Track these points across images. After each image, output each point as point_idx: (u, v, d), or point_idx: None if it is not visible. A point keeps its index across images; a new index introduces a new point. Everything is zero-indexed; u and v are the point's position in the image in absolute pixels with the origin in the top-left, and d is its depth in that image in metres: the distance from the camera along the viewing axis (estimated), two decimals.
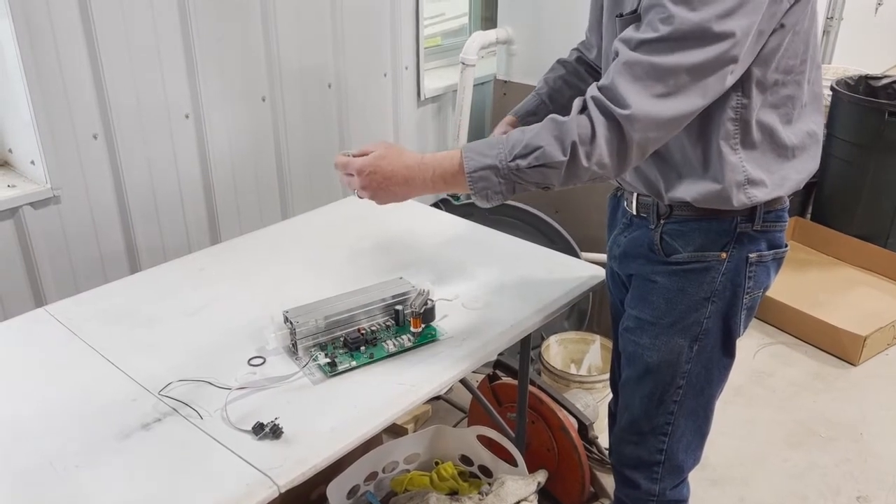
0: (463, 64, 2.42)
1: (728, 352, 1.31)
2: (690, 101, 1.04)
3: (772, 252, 1.24)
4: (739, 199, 1.16)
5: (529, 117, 1.44)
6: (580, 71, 1.44)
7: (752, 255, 1.22)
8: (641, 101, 1.02)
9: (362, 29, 2.25)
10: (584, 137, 1.05)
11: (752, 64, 1.08)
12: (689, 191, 1.18)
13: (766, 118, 1.14)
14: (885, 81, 3.12)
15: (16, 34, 1.55)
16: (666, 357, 1.28)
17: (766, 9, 1.02)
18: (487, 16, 2.85)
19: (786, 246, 1.27)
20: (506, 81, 2.59)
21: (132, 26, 1.72)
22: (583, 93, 1.40)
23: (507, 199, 1.13)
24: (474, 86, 2.47)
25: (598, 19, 1.30)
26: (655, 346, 1.29)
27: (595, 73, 1.43)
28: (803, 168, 1.21)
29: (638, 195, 1.28)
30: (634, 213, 1.30)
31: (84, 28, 1.65)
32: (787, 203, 1.25)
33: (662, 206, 1.23)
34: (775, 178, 1.18)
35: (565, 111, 1.42)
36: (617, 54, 1.06)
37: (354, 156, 1.18)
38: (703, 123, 1.13)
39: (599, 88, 1.07)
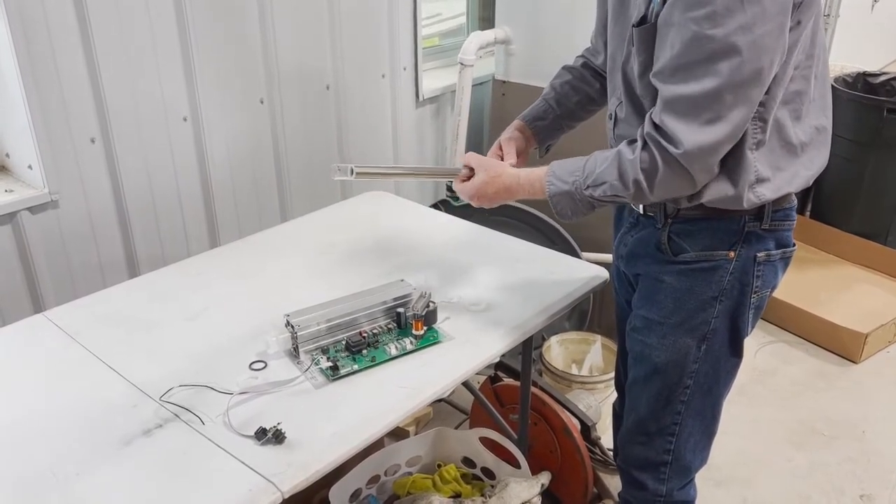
0: (461, 64, 2.41)
1: (735, 351, 1.30)
2: (739, 117, 1.05)
3: (780, 251, 1.24)
4: (749, 199, 1.16)
5: (537, 122, 1.45)
6: (586, 76, 1.45)
7: (761, 255, 1.22)
8: (692, 136, 1.05)
9: (360, 30, 2.25)
10: (650, 173, 1.11)
11: None
12: (708, 195, 1.17)
13: (778, 114, 1.13)
14: (883, 78, 3.12)
15: (12, 38, 1.54)
16: (673, 357, 1.28)
17: (790, 7, 1.01)
18: (485, 16, 2.84)
19: (793, 245, 1.26)
20: (504, 81, 2.58)
21: (129, 29, 1.71)
22: (590, 97, 1.43)
23: (586, 215, 1.23)
24: (473, 86, 2.47)
25: (605, 25, 1.30)
26: (663, 345, 1.28)
27: (601, 78, 1.43)
28: (812, 164, 1.20)
29: None
30: (641, 212, 1.29)
31: (81, 31, 1.64)
32: (795, 202, 1.24)
33: (670, 206, 1.23)
34: (785, 175, 1.17)
35: (573, 116, 1.44)
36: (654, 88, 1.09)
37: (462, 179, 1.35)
38: None
39: (654, 126, 1.10)
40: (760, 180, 1.15)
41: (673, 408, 1.32)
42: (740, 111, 1.05)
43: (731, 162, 1.14)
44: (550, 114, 1.45)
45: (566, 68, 1.47)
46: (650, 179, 1.11)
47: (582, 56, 1.47)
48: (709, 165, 1.10)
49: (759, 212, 1.19)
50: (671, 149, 1.07)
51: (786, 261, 1.27)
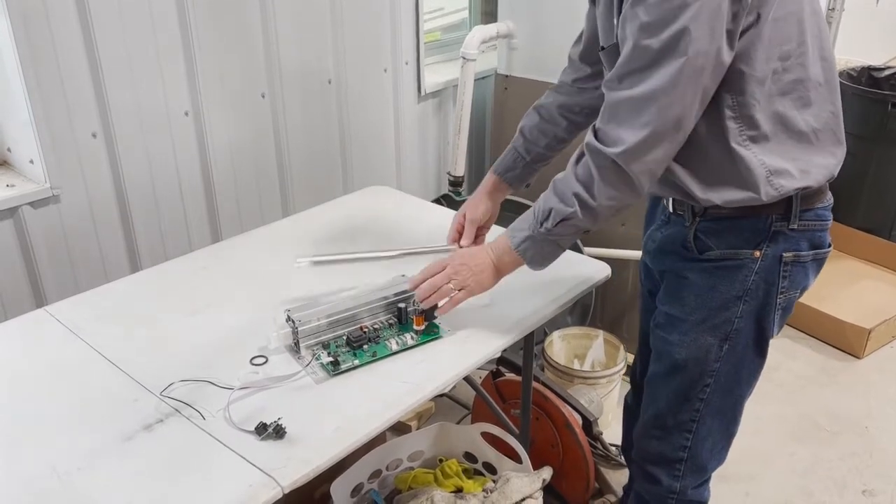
0: (463, 59, 2.40)
1: (760, 352, 1.29)
2: (675, 116, 1.07)
3: (811, 252, 1.22)
4: (767, 193, 1.14)
5: (508, 173, 1.48)
6: (554, 115, 1.45)
7: (788, 255, 1.20)
8: (631, 136, 1.08)
9: (362, 25, 2.24)
10: (586, 182, 1.15)
11: (737, 62, 1.08)
12: (719, 196, 1.17)
13: (777, 107, 1.13)
14: (887, 72, 3.11)
15: (13, 32, 1.53)
16: (694, 354, 1.27)
17: (728, 9, 1.02)
18: (487, 10, 2.83)
19: (828, 246, 1.24)
20: (507, 76, 2.57)
21: (130, 24, 1.71)
22: (558, 137, 1.46)
23: (557, 257, 1.25)
24: (475, 80, 2.46)
25: (594, 42, 1.33)
26: (684, 342, 1.27)
27: (570, 113, 1.43)
28: (830, 153, 1.18)
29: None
30: (672, 210, 1.29)
31: (82, 26, 1.63)
32: (830, 201, 1.23)
33: (697, 205, 1.22)
34: (800, 165, 1.16)
35: (543, 158, 1.48)
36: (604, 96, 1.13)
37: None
38: (709, 129, 1.14)
39: (595, 132, 1.14)
40: (776, 172, 1.14)
41: (691, 405, 1.31)
42: (676, 111, 1.07)
43: (722, 163, 1.15)
44: (520, 162, 1.47)
45: (536, 109, 1.47)
46: (588, 188, 1.14)
47: (553, 90, 1.47)
48: (648, 167, 1.11)
49: (785, 211, 1.18)
50: (609, 150, 1.10)
51: (819, 262, 1.25)
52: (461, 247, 1.45)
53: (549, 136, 1.45)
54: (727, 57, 1.06)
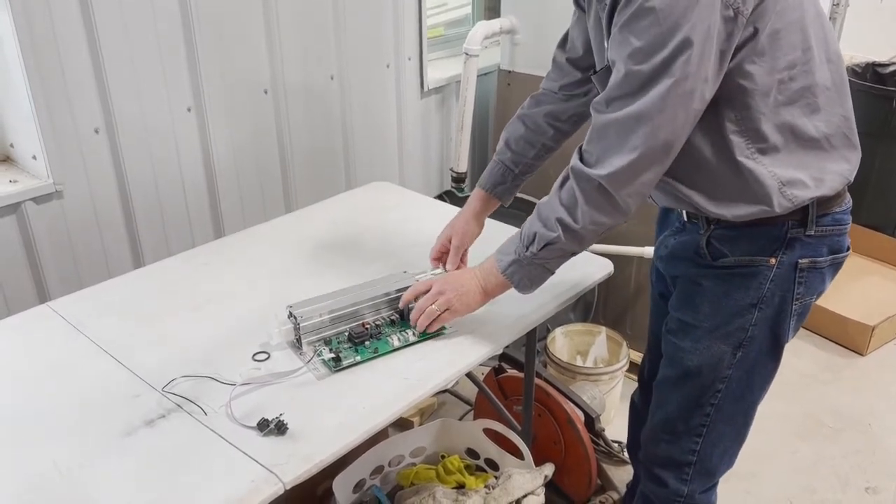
0: (466, 54, 2.40)
1: (774, 358, 1.28)
2: (663, 138, 1.06)
3: (829, 258, 1.20)
4: (781, 204, 1.12)
5: (497, 188, 1.46)
6: (540, 125, 1.43)
7: (804, 261, 1.18)
8: (619, 159, 1.07)
9: (364, 20, 2.24)
10: (570, 207, 1.13)
11: (737, 77, 1.06)
12: (730, 211, 1.16)
13: (785, 117, 1.10)
14: (892, 68, 3.09)
15: (15, 27, 1.53)
16: (707, 361, 1.25)
17: (721, 29, 1.01)
18: (491, 5, 2.82)
19: (846, 250, 1.22)
20: (510, 72, 2.56)
21: (132, 19, 1.71)
22: (546, 146, 1.44)
23: (544, 281, 1.23)
24: (478, 76, 2.45)
25: (586, 51, 1.32)
26: (697, 349, 1.26)
27: (556, 121, 1.42)
28: (845, 158, 1.16)
29: None
30: (686, 218, 1.27)
31: (84, 20, 1.63)
32: (849, 204, 1.20)
33: (712, 215, 1.20)
34: (813, 173, 1.13)
35: (531, 168, 1.46)
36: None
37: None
38: (713, 146, 1.12)
39: (581, 155, 1.12)
40: (789, 183, 1.12)
41: (702, 410, 1.30)
42: (666, 134, 1.05)
43: (731, 178, 1.13)
44: (509, 176, 1.45)
45: (520, 118, 1.45)
46: (572, 212, 1.13)
47: (536, 98, 1.45)
48: (636, 189, 1.09)
49: (802, 218, 1.15)
50: (594, 173, 1.09)
51: (836, 266, 1.22)
52: (446, 270, 1.42)
53: (536, 146, 1.43)
54: (717, 78, 1.05)
